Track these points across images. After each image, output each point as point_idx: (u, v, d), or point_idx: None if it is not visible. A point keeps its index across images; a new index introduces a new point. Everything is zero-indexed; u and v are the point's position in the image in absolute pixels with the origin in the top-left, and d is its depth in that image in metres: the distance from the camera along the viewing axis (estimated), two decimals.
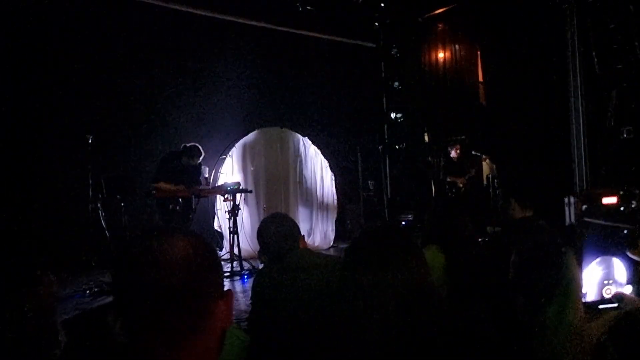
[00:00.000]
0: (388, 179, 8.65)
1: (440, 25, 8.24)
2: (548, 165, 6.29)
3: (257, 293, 2.49)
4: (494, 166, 7.30)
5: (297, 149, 7.76)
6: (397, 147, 8.70)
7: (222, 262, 5.94)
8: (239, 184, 6.21)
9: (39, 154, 5.62)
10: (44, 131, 5.68)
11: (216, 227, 6.62)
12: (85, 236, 5.41)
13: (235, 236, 5.94)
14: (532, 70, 6.61)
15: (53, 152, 5.69)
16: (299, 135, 7.70)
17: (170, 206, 5.61)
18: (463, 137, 7.61)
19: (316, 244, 7.45)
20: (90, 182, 5.31)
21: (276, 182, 7.48)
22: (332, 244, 7.73)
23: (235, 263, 5.88)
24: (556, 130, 6.41)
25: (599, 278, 1.25)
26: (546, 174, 6.06)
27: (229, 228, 6.02)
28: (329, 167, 7.95)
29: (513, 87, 6.94)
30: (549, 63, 6.45)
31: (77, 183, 5.39)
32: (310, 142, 7.78)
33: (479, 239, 3.17)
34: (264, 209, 7.06)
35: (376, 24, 8.39)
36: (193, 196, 5.81)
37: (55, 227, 5.41)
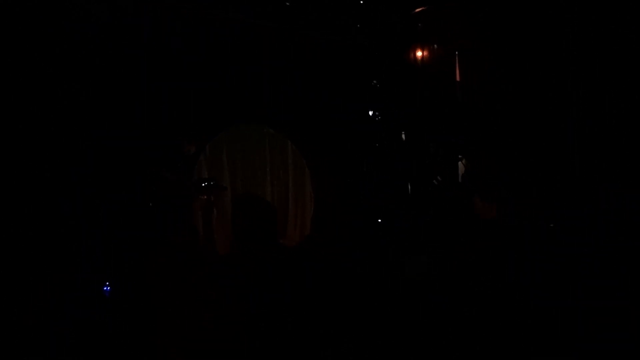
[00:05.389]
0: (364, 176, 8.66)
1: (420, 25, 8.26)
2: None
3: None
4: (469, 165, 7.37)
5: (274, 146, 7.76)
6: (375, 145, 8.72)
7: None
8: (213, 180, 6.19)
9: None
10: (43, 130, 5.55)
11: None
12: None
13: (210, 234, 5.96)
14: (518, 70, 6.67)
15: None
16: (276, 132, 7.69)
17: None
18: (441, 136, 7.66)
19: (290, 240, 7.48)
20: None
21: (252, 180, 7.49)
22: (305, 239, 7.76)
23: None
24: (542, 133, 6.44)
25: None
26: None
27: (203, 226, 6.03)
28: (306, 165, 7.96)
29: (491, 87, 7.01)
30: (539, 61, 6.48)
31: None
32: (287, 139, 7.78)
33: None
34: None
35: (358, 25, 8.36)
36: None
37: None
